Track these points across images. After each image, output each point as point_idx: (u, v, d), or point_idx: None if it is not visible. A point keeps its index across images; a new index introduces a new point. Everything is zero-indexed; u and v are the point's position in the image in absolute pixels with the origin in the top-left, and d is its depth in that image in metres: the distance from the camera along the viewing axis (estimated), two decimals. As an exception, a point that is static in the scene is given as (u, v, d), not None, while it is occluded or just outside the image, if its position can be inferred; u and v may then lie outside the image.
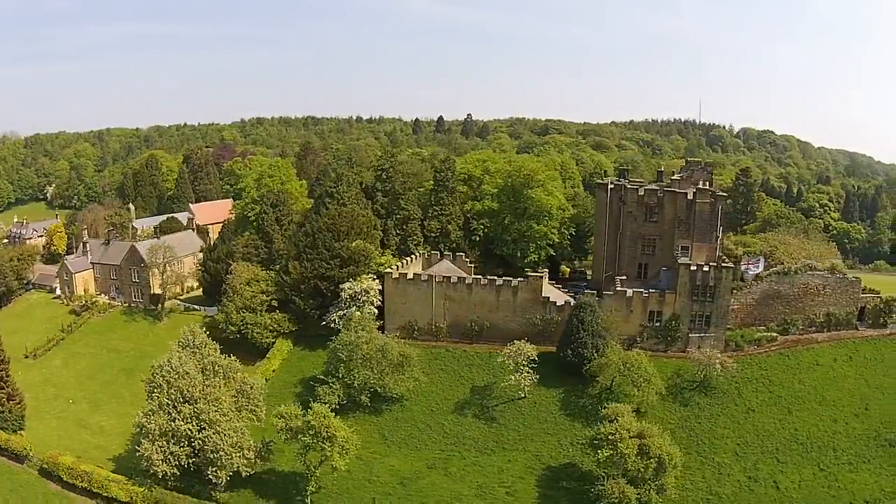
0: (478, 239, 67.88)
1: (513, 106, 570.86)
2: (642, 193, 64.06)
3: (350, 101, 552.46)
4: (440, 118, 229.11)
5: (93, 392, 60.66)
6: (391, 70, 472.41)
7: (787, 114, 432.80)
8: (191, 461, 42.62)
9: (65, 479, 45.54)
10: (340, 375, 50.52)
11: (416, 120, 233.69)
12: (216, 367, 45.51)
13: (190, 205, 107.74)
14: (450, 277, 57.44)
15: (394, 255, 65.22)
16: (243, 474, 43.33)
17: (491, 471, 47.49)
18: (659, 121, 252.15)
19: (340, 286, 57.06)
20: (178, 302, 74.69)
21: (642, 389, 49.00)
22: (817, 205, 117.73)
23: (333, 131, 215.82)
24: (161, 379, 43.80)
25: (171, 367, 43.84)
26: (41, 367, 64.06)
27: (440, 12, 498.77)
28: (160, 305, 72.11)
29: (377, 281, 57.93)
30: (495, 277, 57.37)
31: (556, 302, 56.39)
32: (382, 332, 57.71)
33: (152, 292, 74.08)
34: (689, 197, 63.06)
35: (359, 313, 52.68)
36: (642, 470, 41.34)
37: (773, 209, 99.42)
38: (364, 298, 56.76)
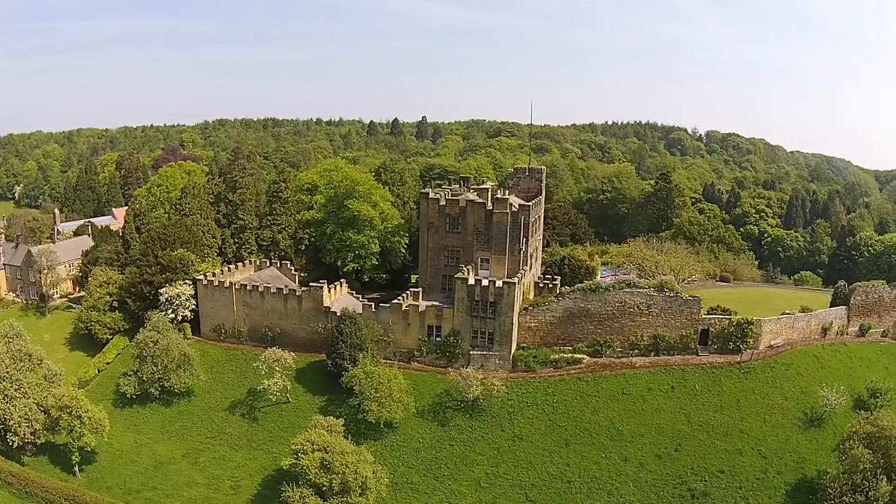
0: (303, 248, 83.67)
1: (484, 108, 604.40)
2: (444, 204, 73.53)
3: (317, 103, 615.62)
4: (395, 120, 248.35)
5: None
6: (363, 72, 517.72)
7: (782, 119, 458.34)
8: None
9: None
10: (135, 370, 68.33)
11: (371, 122, 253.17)
12: (22, 356, 64.78)
13: (114, 209, 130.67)
14: (246, 285, 73.22)
15: (228, 263, 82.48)
16: (36, 442, 60.82)
17: (230, 465, 58.13)
18: (619, 123, 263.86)
19: (160, 290, 75.05)
20: (66, 301, 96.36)
21: (383, 405, 55.64)
22: (753, 210, 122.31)
23: (291, 133, 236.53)
24: (-22, 362, 63.75)
25: (-15, 353, 63.69)
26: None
27: (436, 13, 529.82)
28: (46, 303, 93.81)
29: (191, 286, 75.24)
30: (283, 287, 72.59)
31: (336, 312, 68.69)
32: (199, 333, 75.53)
33: (42, 291, 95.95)
34: (489, 207, 71.38)
35: (156, 315, 70.19)
36: (326, 485, 47.63)
37: (686, 217, 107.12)
38: (178, 302, 74.38)
